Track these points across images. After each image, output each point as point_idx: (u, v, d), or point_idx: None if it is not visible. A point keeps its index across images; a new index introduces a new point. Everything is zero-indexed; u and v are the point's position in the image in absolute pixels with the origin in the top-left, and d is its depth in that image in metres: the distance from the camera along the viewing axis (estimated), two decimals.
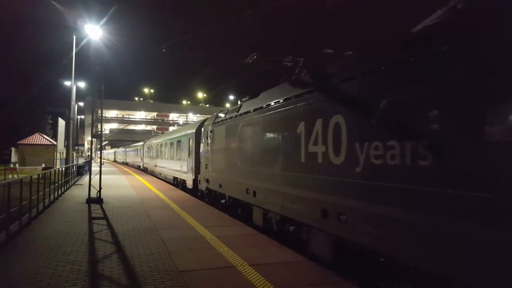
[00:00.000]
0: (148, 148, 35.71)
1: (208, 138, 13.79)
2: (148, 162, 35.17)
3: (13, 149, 43.77)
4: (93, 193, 13.08)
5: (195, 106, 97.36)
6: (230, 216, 10.52)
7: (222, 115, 12.89)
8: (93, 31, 19.43)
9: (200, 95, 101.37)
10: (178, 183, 20.63)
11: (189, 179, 17.18)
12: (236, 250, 6.70)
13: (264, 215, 8.83)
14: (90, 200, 12.79)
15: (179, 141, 20.31)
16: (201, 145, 15.18)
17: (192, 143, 16.87)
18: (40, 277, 5.22)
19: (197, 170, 15.83)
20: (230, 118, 11.34)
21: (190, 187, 16.78)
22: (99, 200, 12.88)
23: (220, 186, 12.06)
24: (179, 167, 19.63)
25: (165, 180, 24.30)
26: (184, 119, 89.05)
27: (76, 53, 24.69)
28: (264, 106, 8.75)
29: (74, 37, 24.02)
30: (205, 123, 15.06)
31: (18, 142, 44.38)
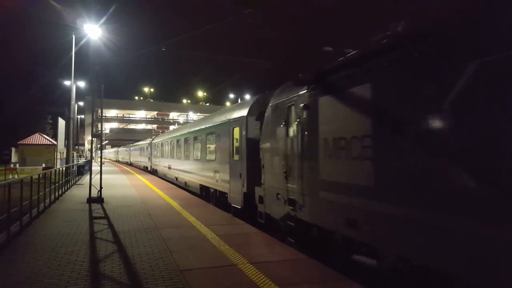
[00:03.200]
0: (158, 145, 28.90)
1: (292, 123, 7.45)
2: (158, 163, 28.46)
3: (13, 149, 43.79)
4: (94, 193, 13.09)
5: (195, 105, 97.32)
6: None
7: (336, 70, 6.33)
8: (93, 31, 19.41)
9: (200, 93, 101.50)
10: (210, 195, 14.10)
11: (234, 192, 11.16)
12: (238, 249, 6.70)
13: None
14: (91, 200, 12.79)
15: (211, 134, 14.07)
16: (264, 136, 9.03)
17: (241, 134, 10.91)
18: (42, 277, 5.22)
19: (251, 178, 9.94)
20: (390, 64, 4.88)
21: (238, 206, 10.72)
22: (100, 199, 12.89)
23: (353, 223, 5.42)
24: (212, 172, 13.42)
25: (185, 188, 17.98)
26: (185, 118, 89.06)
27: (75, 53, 24.73)
28: None
29: (74, 36, 24.03)
30: (274, 97, 8.64)
31: (18, 142, 44.45)
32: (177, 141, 20.81)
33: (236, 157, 11.23)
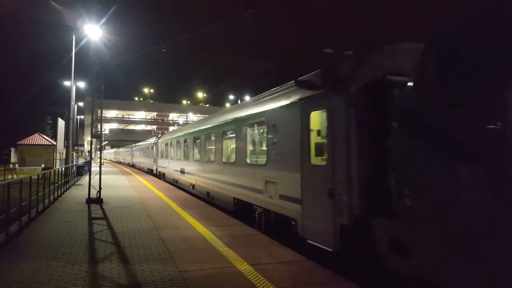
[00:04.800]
0: (166, 145, 24.31)
1: None
2: (166, 166, 23.97)
3: (12, 150, 43.80)
4: (93, 194, 13.06)
5: (195, 106, 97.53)
6: None
7: None
8: (93, 31, 19.41)
9: (200, 95, 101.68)
10: (255, 216, 9.57)
11: (315, 220, 6.60)
12: (237, 250, 6.69)
13: None
14: (90, 201, 12.77)
15: (257, 125, 9.95)
16: (419, 119, 4.39)
17: (333, 121, 6.22)
18: (40, 278, 5.20)
19: (361, 200, 5.56)
20: None
21: (327, 247, 6.19)
22: (99, 200, 12.86)
23: None
24: (260, 182, 8.94)
25: (207, 200, 13.96)
26: (184, 119, 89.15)
27: (75, 53, 24.74)
28: None
29: (74, 37, 24.05)
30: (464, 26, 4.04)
31: (18, 143, 44.39)
32: (195, 138, 16.30)
33: (318, 161, 6.72)
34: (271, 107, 8.77)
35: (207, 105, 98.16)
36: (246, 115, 10.35)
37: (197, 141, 16.07)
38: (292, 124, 7.54)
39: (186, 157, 18.23)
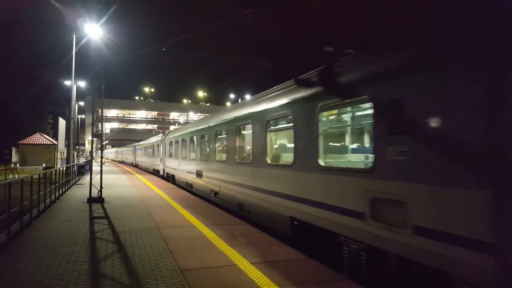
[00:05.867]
0: (177, 143, 20.89)
1: None
2: (176, 167, 20.71)
3: (13, 149, 43.87)
4: (94, 193, 13.09)
5: (196, 105, 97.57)
6: None
7: None
8: (93, 30, 19.40)
9: (201, 94, 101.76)
10: (340, 252, 5.99)
11: None
12: (238, 249, 6.70)
13: None
14: (91, 200, 12.79)
15: (346, 106, 6.68)
16: None
17: None
18: (42, 277, 5.22)
19: None
20: None
21: None
22: (100, 199, 12.89)
23: None
24: (355, 198, 5.47)
25: (237, 213, 10.84)
26: (185, 118, 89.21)
27: (76, 53, 24.80)
28: None
29: (74, 36, 24.08)
30: None
31: (19, 142, 44.50)
32: (218, 132, 13.02)
33: None
34: (389, 75, 4.99)
35: (208, 104, 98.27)
36: (319, 92, 6.68)
37: (221, 136, 12.80)
38: (452, 98, 4.07)
39: (205, 156, 14.72)
